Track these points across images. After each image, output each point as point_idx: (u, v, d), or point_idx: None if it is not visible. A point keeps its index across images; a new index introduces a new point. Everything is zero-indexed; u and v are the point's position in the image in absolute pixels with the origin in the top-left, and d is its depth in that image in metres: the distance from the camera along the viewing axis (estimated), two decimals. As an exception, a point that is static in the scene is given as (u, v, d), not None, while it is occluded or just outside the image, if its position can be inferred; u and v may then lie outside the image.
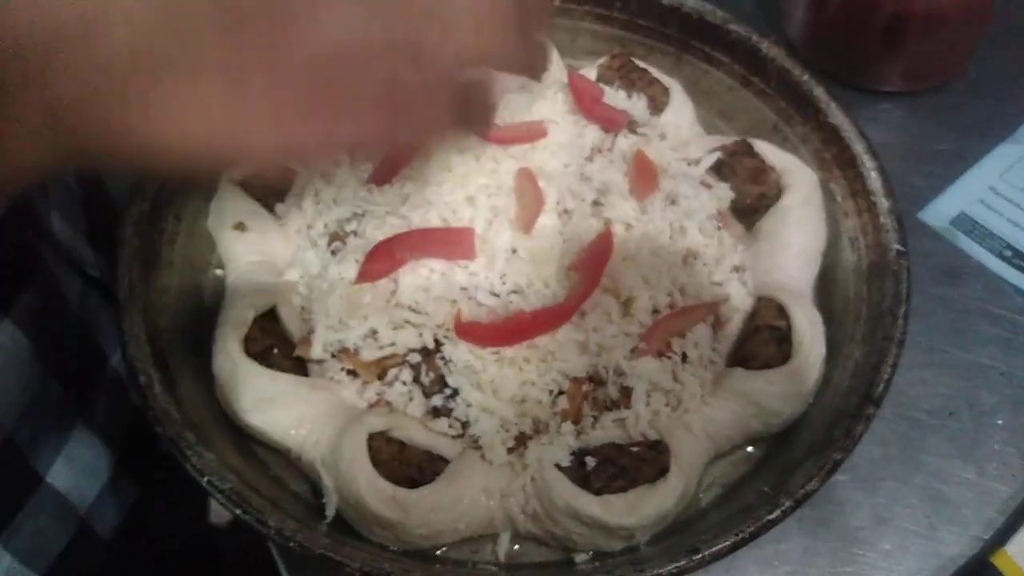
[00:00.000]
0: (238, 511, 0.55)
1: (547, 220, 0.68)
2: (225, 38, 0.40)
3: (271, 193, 0.73)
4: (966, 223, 0.83)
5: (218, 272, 0.72)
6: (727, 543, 0.55)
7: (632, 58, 0.81)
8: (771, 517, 0.56)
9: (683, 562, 0.54)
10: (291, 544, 0.55)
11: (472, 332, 0.64)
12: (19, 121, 0.39)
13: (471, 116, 0.52)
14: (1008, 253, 0.81)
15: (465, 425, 0.63)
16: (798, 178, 0.73)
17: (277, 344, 0.65)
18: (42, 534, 0.72)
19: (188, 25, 0.39)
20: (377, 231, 0.68)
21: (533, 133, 0.73)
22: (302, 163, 0.61)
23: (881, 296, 0.66)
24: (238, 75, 0.40)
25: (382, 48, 0.42)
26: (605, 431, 0.63)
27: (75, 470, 0.74)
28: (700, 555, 0.54)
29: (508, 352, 0.64)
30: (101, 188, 0.76)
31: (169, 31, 0.39)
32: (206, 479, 0.56)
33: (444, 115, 0.48)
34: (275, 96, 0.41)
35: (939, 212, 0.84)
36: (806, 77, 0.75)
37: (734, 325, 0.68)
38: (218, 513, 0.92)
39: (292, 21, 0.40)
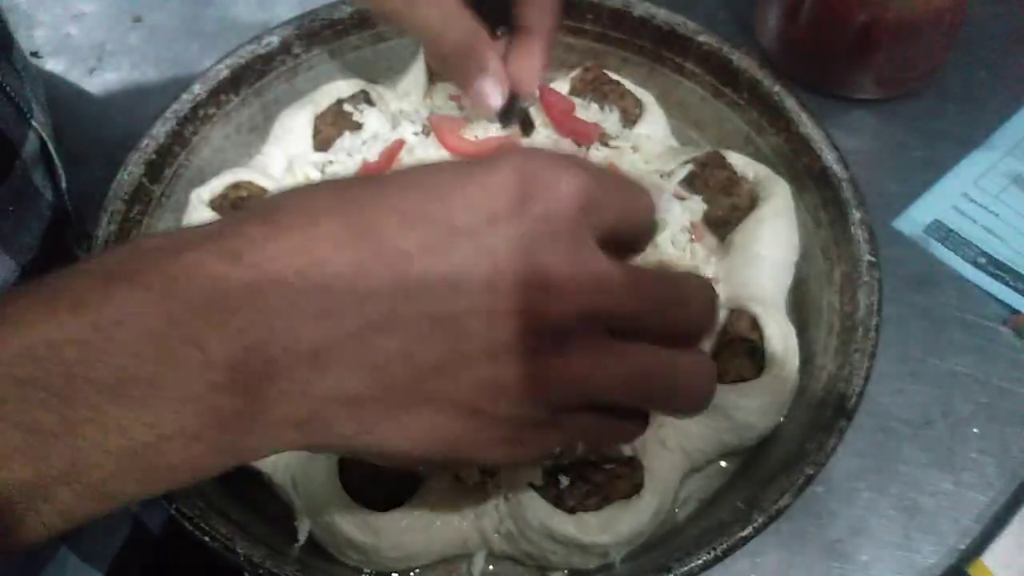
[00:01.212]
0: (206, 538, 0.55)
1: (519, 235, 0.68)
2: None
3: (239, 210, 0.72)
4: (940, 231, 0.83)
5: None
6: (699, 562, 0.54)
7: (605, 70, 0.81)
8: (744, 534, 0.56)
9: (655, 581, 0.54)
10: (259, 572, 0.54)
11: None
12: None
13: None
14: (982, 260, 0.81)
15: (438, 444, 0.62)
16: (770, 189, 0.73)
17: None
18: (102, 533, 0.74)
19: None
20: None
21: (504, 148, 0.72)
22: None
23: (854, 307, 0.66)
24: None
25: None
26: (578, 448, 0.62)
27: None
28: (672, 574, 0.54)
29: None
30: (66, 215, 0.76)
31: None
32: (174, 506, 0.56)
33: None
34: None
35: (913, 220, 0.84)
36: (777, 88, 0.75)
37: (707, 339, 0.68)
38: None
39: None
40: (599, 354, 0.44)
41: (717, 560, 0.55)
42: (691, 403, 0.49)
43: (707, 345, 0.67)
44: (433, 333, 0.41)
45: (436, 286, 0.41)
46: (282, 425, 0.41)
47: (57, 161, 0.74)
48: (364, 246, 0.40)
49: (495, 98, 0.70)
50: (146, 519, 0.79)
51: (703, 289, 0.48)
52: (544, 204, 0.42)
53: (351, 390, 0.41)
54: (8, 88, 0.70)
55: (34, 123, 0.72)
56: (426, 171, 0.44)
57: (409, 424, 0.42)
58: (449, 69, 0.72)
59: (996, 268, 0.80)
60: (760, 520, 0.56)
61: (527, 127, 0.74)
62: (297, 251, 0.40)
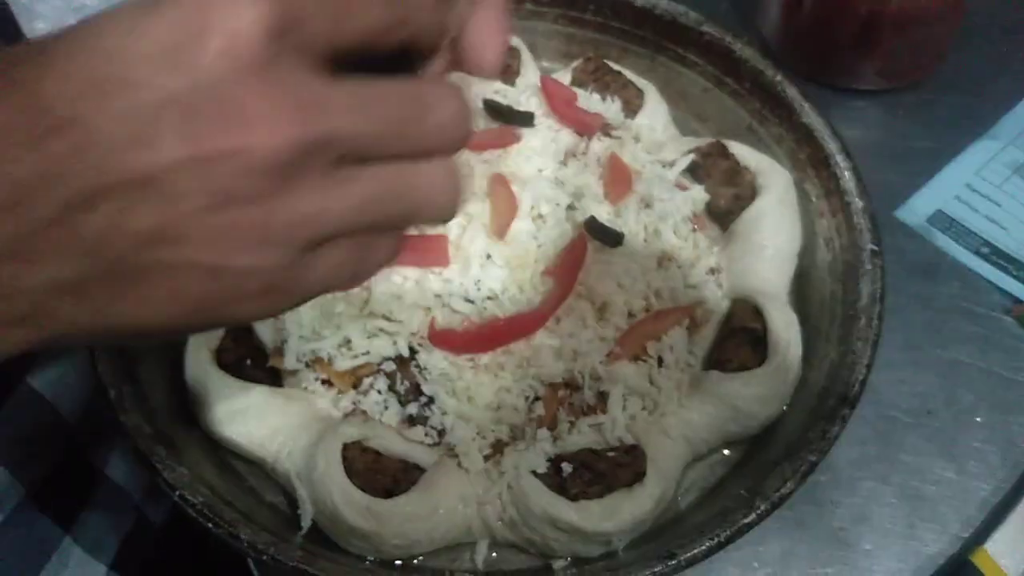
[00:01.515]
0: (210, 525, 0.55)
1: (521, 225, 0.68)
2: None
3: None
4: (943, 220, 0.83)
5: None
6: (703, 548, 0.55)
7: (606, 60, 0.81)
8: (747, 521, 0.56)
9: (659, 567, 0.54)
10: (264, 557, 0.54)
11: (446, 340, 0.64)
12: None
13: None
14: (985, 250, 0.81)
15: (441, 433, 0.63)
16: (773, 179, 0.73)
17: (250, 354, 0.65)
18: (105, 526, 0.74)
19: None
20: (351, 239, 0.68)
21: (506, 138, 0.72)
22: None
23: (856, 296, 0.66)
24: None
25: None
26: (582, 436, 0.62)
27: (128, 461, 0.76)
28: (676, 560, 0.54)
29: (483, 359, 0.64)
30: None
31: None
32: (177, 493, 0.56)
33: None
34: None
35: (916, 210, 0.84)
36: (779, 78, 0.75)
37: (710, 328, 0.68)
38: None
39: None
40: (328, 186, 0.40)
41: (720, 547, 0.55)
42: (435, 214, 0.45)
43: (711, 334, 0.67)
44: (140, 198, 0.37)
45: (125, 149, 0.37)
46: (3, 328, 0.39)
47: None
48: (35, 124, 0.37)
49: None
50: (149, 512, 0.80)
51: (448, 98, 0.43)
52: (221, 38, 0.37)
53: (69, 275, 0.38)
54: None
55: None
56: (93, 24, 0.39)
57: (146, 297, 0.39)
58: None
59: (999, 257, 0.80)
60: (763, 507, 0.56)
61: (527, 118, 0.74)
62: None
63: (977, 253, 0.81)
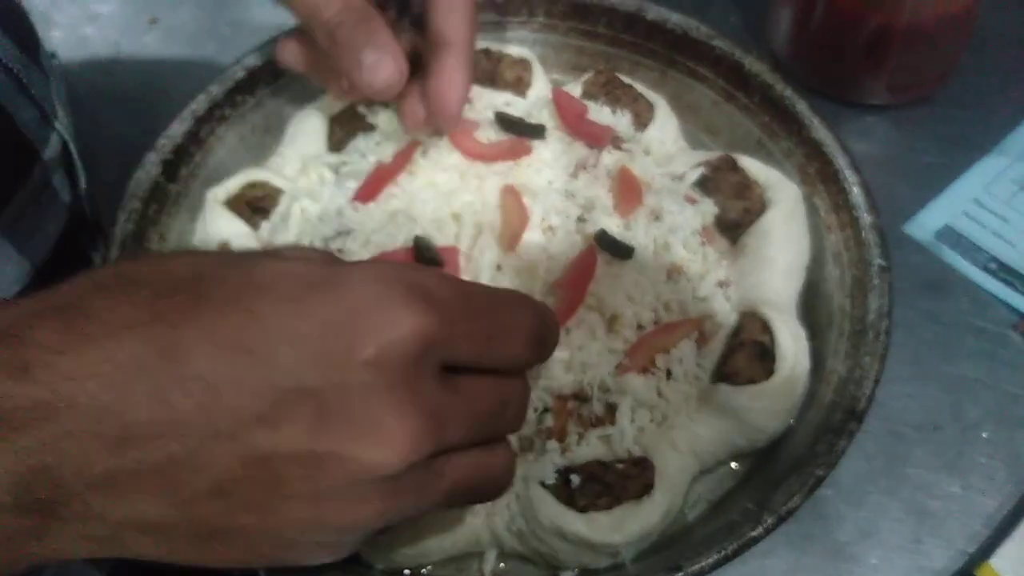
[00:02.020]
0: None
1: (532, 237, 0.69)
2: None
3: (256, 211, 0.73)
4: (951, 236, 0.83)
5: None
6: (709, 561, 0.55)
7: (617, 74, 0.81)
8: (754, 534, 0.56)
9: (666, 580, 0.55)
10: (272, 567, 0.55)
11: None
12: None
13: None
14: (993, 266, 0.81)
15: (450, 443, 0.63)
16: (782, 193, 0.73)
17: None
18: None
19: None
20: (363, 249, 0.68)
21: (517, 150, 0.73)
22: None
23: (864, 311, 0.66)
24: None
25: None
26: (590, 448, 0.63)
27: None
28: (682, 573, 0.55)
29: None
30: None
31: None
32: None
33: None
34: None
35: (924, 225, 0.84)
36: (788, 92, 0.76)
37: (718, 340, 0.68)
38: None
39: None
40: (424, 483, 0.43)
41: (727, 560, 0.55)
42: (495, 493, 0.50)
43: (719, 347, 0.67)
44: (247, 474, 0.38)
45: (249, 426, 0.38)
46: (79, 540, 0.39)
47: (77, 163, 0.75)
48: (168, 372, 0.37)
49: (385, 69, 0.63)
50: None
51: (520, 392, 0.48)
52: (375, 348, 0.39)
53: (153, 519, 0.39)
54: (33, 91, 0.70)
55: (57, 125, 0.72)
56: (253, 286, 0.40)
57: (220, 550, 0.41)
58: (334, 47, 0.64)
59: (1006, 273, 0.80)
60: (770, 521, 0.56)
61: (538, 130, 0.74)
62: (92, 370, 0.37)
63: (985, 269, 0.81)
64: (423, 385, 0.40)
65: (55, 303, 0.38)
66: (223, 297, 0.39)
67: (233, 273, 0.41)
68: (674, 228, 0.71)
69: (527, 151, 0.73)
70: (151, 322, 0.38)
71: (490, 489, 0.49)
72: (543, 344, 0.48)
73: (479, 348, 0.44)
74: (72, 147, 0.74)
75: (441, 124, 0.71)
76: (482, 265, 0.67)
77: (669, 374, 0.66)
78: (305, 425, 0.38)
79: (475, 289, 0.46)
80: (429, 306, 0.40)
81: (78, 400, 0.36)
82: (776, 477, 0.61)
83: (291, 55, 0.72)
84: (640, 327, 0.67)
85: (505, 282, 0.67)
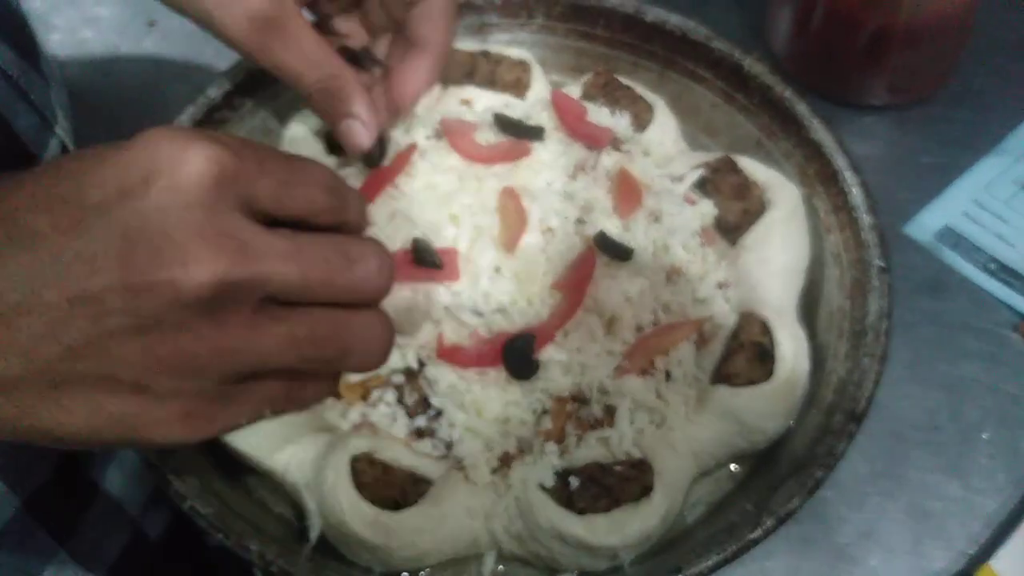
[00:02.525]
0: (220, 535, 0.56)
1: (530, 239, 0.69)
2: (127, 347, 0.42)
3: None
4: (951, 237, 0.83)
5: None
6: (709, 563, 0.55)
7: (616, 75, 0.81)
8: (753, 536, 0.56)
9: (665, 582, 0.55)
10: (272, 568, 0.55)
11: (455, 356, 0.65)
12: None
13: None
14: (993, 266, 0.81)
15: (449, 446, 0.63)
16: (781, 194, 0.73)
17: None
18: (100, 540, 0.75)
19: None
20: (361, 251, 0.68)
21: (516, 152, 0.73)
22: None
23: (864, 312, 0.66)
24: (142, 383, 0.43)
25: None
26: (589, 450, 0.62)
27: (126, 475, 0.76)
28: (682, 574, 0.54)
29: (491, 372, 0.64)
30: None
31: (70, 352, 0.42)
32: (188, 503, 0.56)
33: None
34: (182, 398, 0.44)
35: (924, 226, 0.84)
36: (788, 93, 0.75)
37: (718, 342, 0.68)
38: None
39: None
40: (257, 322, 0.44)
41: (727, 561, 0.55)
42: (366, 361, 0.50)
43: (719, 348, 0.67)
44: (74, 312, 0.41)
45: (70, 265, 0.41)
46: None
47: None
48: (5, 232, 0.42)
49: (362, 140, 0.70)
50: (146, 527, 0.80)
51: (372, 253, 0.48)
52: (171, 177, 0.42)
53: (3, 372, 0.42)
54: (33, 98, 0.70)
55: (58, 130, 0.72)
56: (66, 158, 0.45)
57: (71, 405, 0.43)
58: (315, 108, 0.72)
59: (1006, 274, 0.80)
60: (769, 523, 0.56)
61: (537, 132, 0.74)
62: None
63: (984, 269, 0.81)
64: (225, 214, 0.43)
65: None
66: (38, 171, 0.44)
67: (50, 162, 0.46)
68: (673, 230, 0.71)
69: (526, 153, 0.73)
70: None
71: (355, 351, 0.49)
72: (340, 195, 0.49)
73: (277, 189, 0.45)
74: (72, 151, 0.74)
75: (391, 110, 0.74)
76: (481, 266, 0.67)
77: (668, 376, 0.66)
78: (116, 258, 0.41)
79: (267, 147, 0.49)
80: (222, 144, 0.44)
81: None
82: (775, 479, 0.61)
83: None
84: (639, 329, 0.67)
85: (504, 284, 0.67)
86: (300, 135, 0.78)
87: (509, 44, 0.82)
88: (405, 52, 0.73)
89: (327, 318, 0.47)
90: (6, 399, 0.42)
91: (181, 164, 0.42)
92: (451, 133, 0.74)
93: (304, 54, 0.67)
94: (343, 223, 0.49)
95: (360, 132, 0.69)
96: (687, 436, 0.64)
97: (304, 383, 0.50)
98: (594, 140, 0.75)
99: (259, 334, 0.44)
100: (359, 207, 0.51)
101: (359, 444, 0.61)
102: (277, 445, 0.62)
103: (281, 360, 0.46)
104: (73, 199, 0.42)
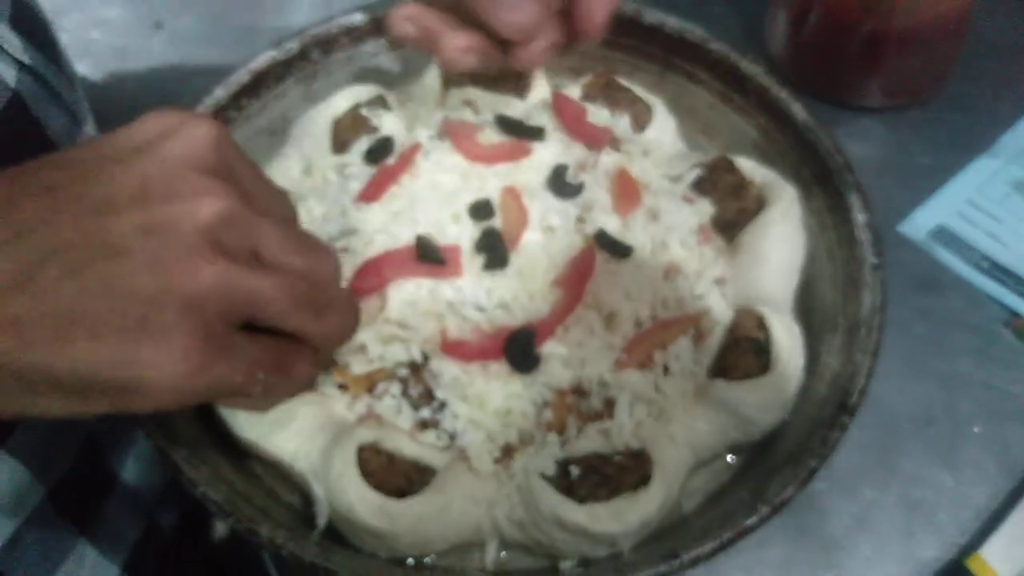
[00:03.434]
0: (231, 520, 0.57)
1: (532, 237, 0.70)
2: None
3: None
4: (945, 236, 0.85)
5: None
6: (705, 549, 0.56)
7: (615, 77, 0.83)
8: (749, 523, 0.57)
9: (663, 567, 0.56)
10: (283, 552, 0.56)
11: (458, 350, 0.66)
12: None
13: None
14: (985, 264, 0.83)
15: (453, 437, 0.64)
16: (778, 193, 0.74)
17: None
18: (118, 530, 0.77)
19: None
20: (367, 248, 0.70)
21: (517, 152, 0.74)
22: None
23: (857, 307, 0.68)
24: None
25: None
26: (589, 441, 0.64)
27: (142, 465, 0.79)
28: (679, 559, 0.56)
29: (494, 366, 0.66)
30: None
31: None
32: (200, 490, 0.58)
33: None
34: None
35: (918, 225, 0.85)
36: (784, 95, 0.77)
37: (715, 337, 0.69)
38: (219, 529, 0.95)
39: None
40: (253, 267, 0.49)
41: (723, 548, 0.57)
42: (341, 320, 0.58)
43: (716, 343, 0.69)
44: (92, 253, 0.44)
45: (89, 208, 0.45)
46: None
47: None
48: (15, 187, 0.45)
49: (523, 11, 0.66)
50: (159, 518, 0.82)
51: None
52: (185, 132, 0.48)
53: (11, 309, 0.43)
54: (64, 96, 0.72)
55: (86, 129, 0.74)
56: (87, 142, 0.52)
57: (74, 342, 0.44)
58: None
59: (998, 272, 0.82)
60: (764, 510, 0.58)
61: (538, 132, 0.76)
62: None
63: (977, 267, 0.83)
64: (232, 172, 0.50)
65: None
66: (61, 154, 0.50)
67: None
68: (671, 227, 0.72)
69: (527, 153, 0.74)
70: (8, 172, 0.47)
71: (335, 294, 0.56)
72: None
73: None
74: None
75: (583, 37, 0.71)
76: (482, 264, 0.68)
77: (666, 370, 0.67)
78: (133, 200, 0.46)
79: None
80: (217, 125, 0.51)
81: None
82: (771, 469, 0.62)
83: (406, 23, 0.73)
84: (638, 324, 0.68)
85: (506, 280, 0.68)
86: (307, 132, 0.79)
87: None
88: None
89: (310, 278, 0.53)
90: (10, 333, 0.43)
91: (193, 125, 0.49)
92: (454, 133, 0.76)
93: None
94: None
95: (525, 5, 0.66)
96: (685, 428, 0.65)
97: (293, 358, 0.54)
98: (593, 140, 0.77)
99: (256, 276, 0.49)
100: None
101: (365, 434, 0.63)
102: (286, 436, 0.64)
103: (274, 303, 0.50)
104: (91, 157, 0.47)
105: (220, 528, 0.98)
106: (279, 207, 0.55)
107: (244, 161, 0.52)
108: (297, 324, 0.53)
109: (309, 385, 0.57)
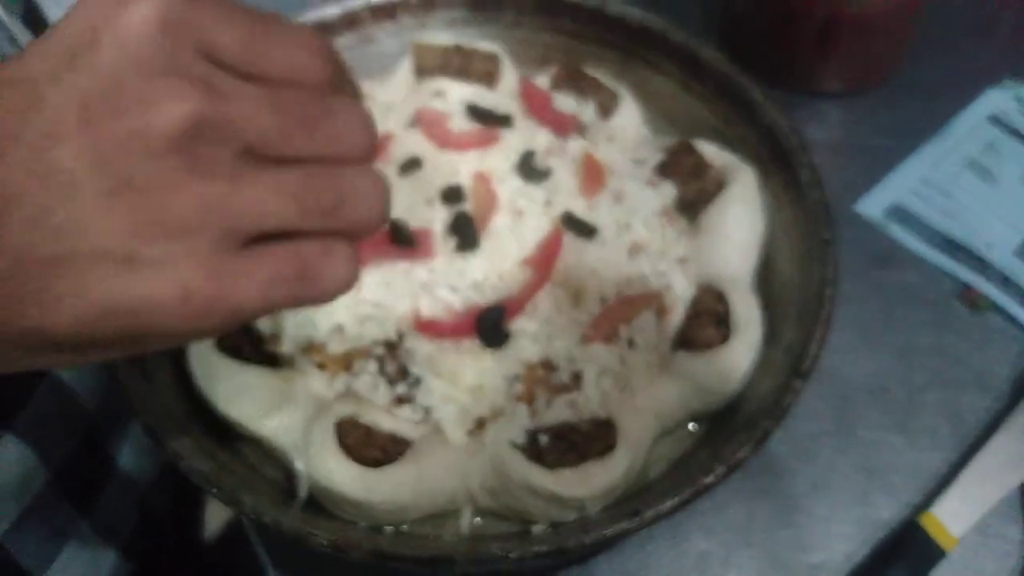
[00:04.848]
0: (214, 490, 0.60)
1: (501, 219, 0.73)
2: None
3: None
4: (899, 213, 0.88)
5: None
6: (666, 506, 0.59)
7: (581, 66, 0.86)
8: (707, 481, 0.60)
9: (626, 524, 0.59)
10: (265, 520, 0.59)
11: (431, 328, 0.69)
12: None
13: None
14: (939, 240, 0.86)
15: (428, 411, 0.67)
16: (736, 174, 0.78)
17: (249, 340, 0.69)
18: (117, 515, 0.78)
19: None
20: (341, 232, 0.72)
21: (486, 139, 0.77)
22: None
23: (811, 281, 0.71)
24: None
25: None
26: (558, 412, 0.67)
27: (137, 451, 0.80)
28: (640, 516, 0.59)
29: (466, 342, 0.69)
30: None
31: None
32: (184, 462, 0.60)
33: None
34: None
35: (874, 203, 0.89)
36: (742, 81, 0.80)
37: (677, 312, 0.72)
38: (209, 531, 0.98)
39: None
40: (241, 170, 0.40)
41: (682, 505, 0.59)
42: (369, 209, 0.43)
43: (678, 318, 0.72)
44: (48, 192, 0.37)
45: (32, 142, 0.37)
46: None
47: None
48: None
49: None
50: (154, 505, 0.85)
51: (352, 105, 0.44)
52: (115, 29, 0.38)
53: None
54: None
55: None
56: (16, 57, 0.41)
57: (60, 295, 0.38)
58: None
59: (951, 247, 0.85)
60: (721, 470, 0.61)
61: (506, 120, 0.79)
62: None
63: (931, 243, 0.86)
64: (183, 56, 0.39)
65: None
66: None
67: None
68: (635, 209, 0.75)
69: (496, 139, 0.78)
70: None
71: (355, 204, 0.43)
72: (331, 62, 0.44)
73: (246, 43, 0.41)
74: None
75: None
76: (455, 245, 0.71)
77: (631, 343, 0.70)
78: (75, 125, 0.38)
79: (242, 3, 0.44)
80: None
81: None
82: (729, 434, 0.65)
83: None
84: (604, 300, 0.71)
85: (477, 262, 0.71)
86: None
87: (480, 38, 0.87)
88: None
89: (316, 167, 0.42)
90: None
91: (122, 13, 0.39)
92: (426, 122, 0.79)
93: None
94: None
95: None
96: (649, 398, 0.68)
97: (318, 260, 0.42)
98: (560, 127, 0.80)
99: (246, 182, 0.40)
100: (353, 88, 0.46)
101: (344, 409, 0.65)
102: (267, 412, 0.66)
103: (278, 213, 0.41)
104: (21, 78, 0.38)
105: (213, 523, 1.01)
106: (280, 59, 0.42)
107: (212, 19, 0.40)
108: (316, 226, 0.42)
109: (349, 285, 0.44)
